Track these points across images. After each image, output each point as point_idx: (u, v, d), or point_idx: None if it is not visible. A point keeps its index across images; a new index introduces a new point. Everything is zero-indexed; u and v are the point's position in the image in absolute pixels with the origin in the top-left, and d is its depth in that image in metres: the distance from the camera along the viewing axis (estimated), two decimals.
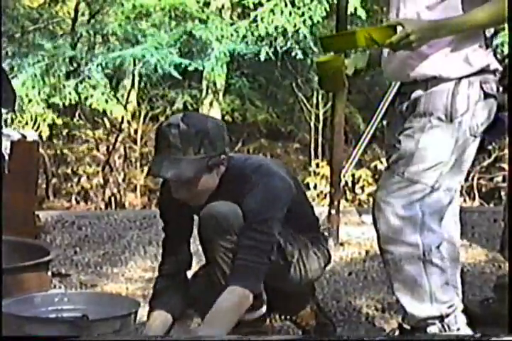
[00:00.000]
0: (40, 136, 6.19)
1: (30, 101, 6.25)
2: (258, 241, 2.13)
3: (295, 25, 6.36)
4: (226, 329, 2.04)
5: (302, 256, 2.32)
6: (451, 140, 2.30)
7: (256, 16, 6.41)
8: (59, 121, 6.67)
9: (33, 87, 6.21)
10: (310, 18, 6.35)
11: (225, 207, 2.17)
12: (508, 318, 2.21)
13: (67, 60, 6.48)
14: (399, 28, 2.21)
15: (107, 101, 6.51)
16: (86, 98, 6.47)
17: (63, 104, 6.47)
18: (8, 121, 6.03)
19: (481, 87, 2.30)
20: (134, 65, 6.54)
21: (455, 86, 2.29)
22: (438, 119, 2.30)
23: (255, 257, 2.12)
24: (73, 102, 6.50)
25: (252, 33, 6.45)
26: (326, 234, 2.43)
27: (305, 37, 6.46)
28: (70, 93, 6.35)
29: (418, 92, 2.33)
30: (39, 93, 6.27)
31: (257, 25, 6.41)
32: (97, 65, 6.37)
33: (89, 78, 6.43)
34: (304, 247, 2.33)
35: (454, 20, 2.24)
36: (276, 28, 6.40)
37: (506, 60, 2.59)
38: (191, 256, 2.40)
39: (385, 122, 5.55)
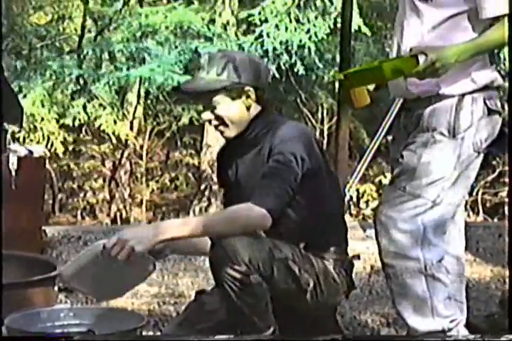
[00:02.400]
0: (55, 153, 6.23)
1: (42, 119, 6.30)
2: (279, 170, 2.18)
3: (300, 41, 6.40)
4: (219, 228, 2.11)
5: (320, 282, 2.25)
6: (453, 155, 2.32)
7: (261, 32, 6.46)
8: (70, 139, 6.72)
9: (43, 106, 6.26)
10: (315, 34, 6.39)
11: (234, 238, 2.15)
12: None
13: (73, 79, 6.54)
14: (420, 57, 2.23)
15: (115, 122, 6.55)
16: (95, 118, 6.52)
17: (73, 123, 6.52)
18: (21, 139, 6.06)
19: (485, 103, 2.32)
20: (141, 83, 6.59)
21: (458, 102, 2.31)
22: (441, 135, 2.32)
23: (273, 182, 2.16)
24: (82, 122, 6.55)
25: (256, 50, 6.49)
26: (354, 259, 2.40)
27: (309, 53, 6.50)
28: (79, 113, 6.41)
29: (421, 108, 2.35)
30: (49, 111, 6.32)
31: (262, 41, 6.46)
32: (104, 85, 6.43)
33: (97, 97, 6.48)
34: (323, 273, 2.26)
35: (474, 43, 2.26)
36: (281, 43, 6.44)
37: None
38: None
39: (389, 137, 5.59)
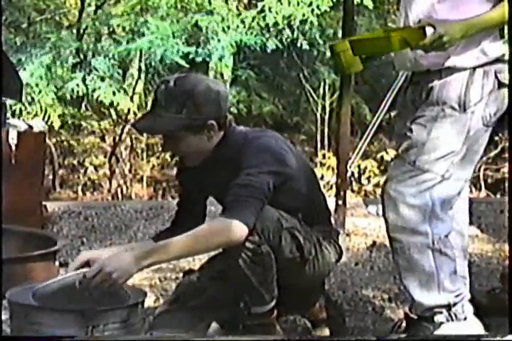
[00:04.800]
0: (52, 126, 6.20)
1: (40, 92, 6.26)
2: (251, 181, 2.14)
3: (304, 15, 6.33)
4: (192, 245, 2.06)
5: (316, 251, 2.30)
6: (463, 129, 2.30)
7: (263, 6, 6.39)
8: (67, 112, 6.68)
9: (41, 78, 6.21)
10: (318, 7, 6.32)
11: None
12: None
13: (73, 51, 6.49)
14: (428, 29, 2.20)
15: (114, 94, 6.51)
16: (93, 90, 6.47)
17: (71, 96, 6.47)
18: (17, 111, 6.03)
19: (496, 77, 2.29)
20: (141, 56, 6.54)
21: (469, 75, 2.29)
22: (451, 108, 2.29)
23: (247, 192, 2.12)
24: (81, 94, 6.50)
25: (258, 24, 6.43)
26: (338, 228, 2.40)
27: (311, 28, 6.44)
28: (77, 85, 6.35)
29: (431, 81, 2.32)
30: (48, 84, 6.27)
31: (264, 16, 6.40)
32: (104, 57, 6.37)
33: (96, 70, 6.43)
34: (317, 242, 2.31)
35: (482, 18, 2.23)
36: (283, 17, 6.38)
37: None
38: (205, 215, 2.43)
39: (392, 113, 5.57)
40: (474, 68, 2.28)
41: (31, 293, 2.06)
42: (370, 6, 6.46)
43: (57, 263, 2.96)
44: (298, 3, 6.35)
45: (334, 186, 4.69)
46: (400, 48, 2.27)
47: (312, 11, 6.33)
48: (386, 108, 5.47)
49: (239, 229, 2.08)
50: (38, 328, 2.02)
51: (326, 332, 2.47)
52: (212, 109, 2.22)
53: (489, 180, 6.63)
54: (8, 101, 3.89)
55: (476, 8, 2.25)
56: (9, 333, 2.16)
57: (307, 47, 6.60)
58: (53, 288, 2.04)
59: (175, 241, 2.07)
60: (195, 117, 2.21)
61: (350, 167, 5.13)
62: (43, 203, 4.00)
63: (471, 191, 6.48)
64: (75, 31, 6.85)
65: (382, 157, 6.57)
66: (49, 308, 2.08)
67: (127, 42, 6.38)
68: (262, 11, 6.44)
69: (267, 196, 2.15)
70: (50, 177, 5.43)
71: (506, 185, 6.30)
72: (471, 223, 2.59)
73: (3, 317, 2.51)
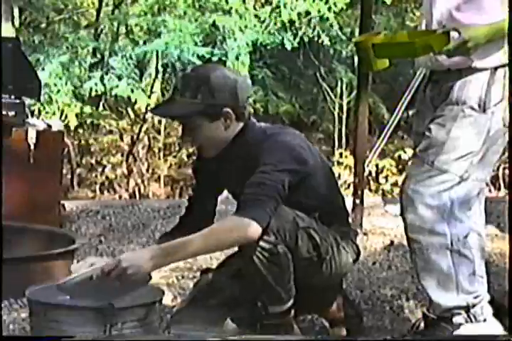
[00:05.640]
0: (67, 125, 6.23)
1: (58, 91, 6.29)
2: (265, 179, 2.14)
3: (319, 11, 6.32)
4: (207, 244, 2.07)
5: (334, 251, 2.30)
6: (483, 130, 2.28)
7: (278, 2, 6.38)
8: (85, 111, 6.71)
9: (60, 78, 6.25)
10: (334, 4, 6.30)
11: None
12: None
13: (90, 51, 6.52)
14: (452, 34, 2.18)
15: (132, 91, 6.54)
16: (111, 88, 6.50)
17: (89, 94, 6.50)
18: (36, 111, 6.06)
19: None
20: (158, 56, 6.56)
21: (491, 75, 2.27)
22: (471, 109, 2.27)
23: (260, 191, 2.12)
24: (99, 92, 6.53)
25: (275, 22, 6.42)
26: (355, 228, 2.38)
27: (331, 25, 6.42)
28: (96, 84, 6.38)
29: (451, 80, 2.31)
30: (66, 83, 6.31)
31: (279, 12, 6.39)
32: (122, 57, 6.41)
33: (114, 69, 6.46)
34: (334, 242, 2.31)
35: (504, 23, 2.21)
36: (299, 14, 6.36)
37: None
38: (215, 212, 2.43)
39: (410, 112, 5.55)
40: (496, 68, 2.26)
41: (55, 287, 2.08)
42: (388, 1, 6.42)
43: (75, 261, 2.98)
44: (313, 0, 6.33)
45: (351, 185, 4.68)
46: (423, 54, 2.27)
47: (329, 8, 6.31)
48: (404, 106, 5.45)
49: (252, 228, 2.08)
50: (57, 326, 2.03)
51: (344, 331, 2.47)
52: (227, 96, 2.22)
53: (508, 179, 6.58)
54: (27, 101, 3.91)
55: (500, 7, 2.22)
56: (29, 331, 2.18)
57: (324, 46, 6.58)
58: (76, 281, 2.06)
59: (191, 239, 2.08)
60: (210, 103, 2.22)
61: (367, 166, 5.12)
62: (61, 202, 4.02)
63: (490, 190, 6.46)
64: (92, 31, 6.89)
65: (399, 156, 6.54)
66: (68, 306, 2.09)
67: (144, 42, 6.41)
68: (277, 6, 6.43)
69: (282, 195, 2.15)
70: (68, 176, 5.46)
71: None
72: (490, 222, 2.57)
73: (23, 315, 2.54)
